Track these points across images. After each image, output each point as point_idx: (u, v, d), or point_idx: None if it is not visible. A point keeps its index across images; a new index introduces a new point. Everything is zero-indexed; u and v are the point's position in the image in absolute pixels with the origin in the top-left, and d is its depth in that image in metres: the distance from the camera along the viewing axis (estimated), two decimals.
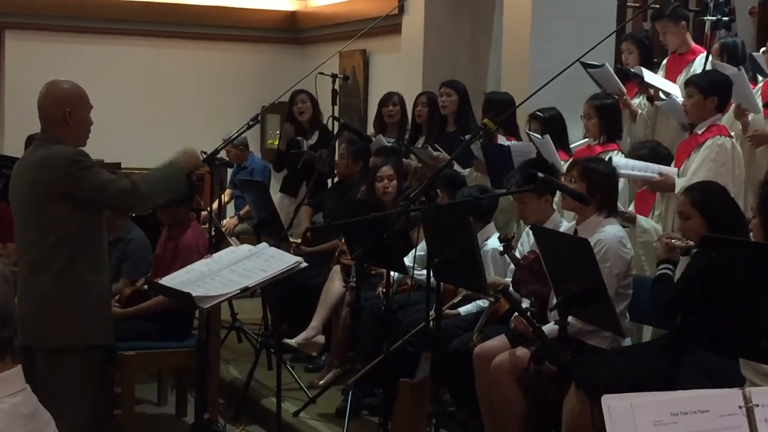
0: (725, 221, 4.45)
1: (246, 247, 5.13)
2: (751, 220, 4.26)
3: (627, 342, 5.05)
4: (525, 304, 5.01)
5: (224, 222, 8.54)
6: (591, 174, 4.96)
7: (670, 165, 5.83)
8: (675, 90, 6.56)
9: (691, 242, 4.53)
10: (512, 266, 5.29)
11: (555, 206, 5.52)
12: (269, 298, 6.79)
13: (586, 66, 6.55)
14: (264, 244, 5.04)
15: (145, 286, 5.86)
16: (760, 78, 6.55)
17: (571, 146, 6.63)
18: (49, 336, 4.48)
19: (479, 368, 5.03)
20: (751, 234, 4.29)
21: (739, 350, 3.48)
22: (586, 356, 4.76)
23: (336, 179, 7.99)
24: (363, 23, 8.75)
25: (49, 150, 4.49)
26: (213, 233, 6.16)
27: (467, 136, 6.39)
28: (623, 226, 5.28)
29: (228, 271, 4.75)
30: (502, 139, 6.60)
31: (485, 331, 5.25)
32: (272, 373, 6.10)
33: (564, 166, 5.93)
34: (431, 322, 4.93)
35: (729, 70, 5.92)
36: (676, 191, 5.46)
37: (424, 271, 4.81)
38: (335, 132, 7.21)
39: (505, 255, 5.28)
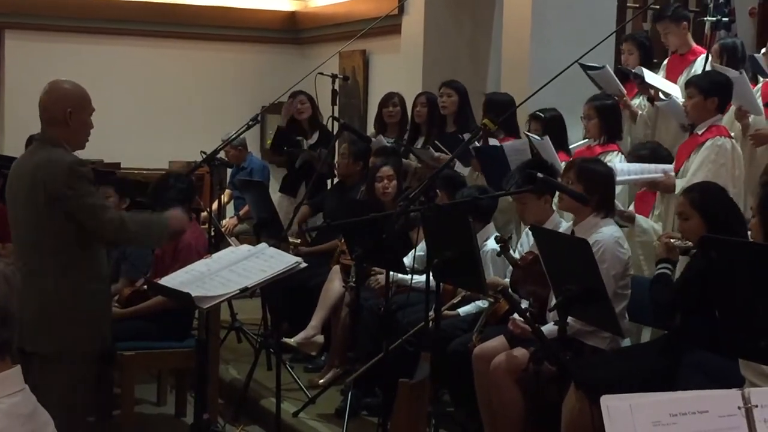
0: (724, 222, 4.45)
1: (245, 247, 5.13)
2: (750, 220, 4.26)
3: (626, 342, 5.05)
4: (524, 304, 5.01)
5: (224, 222, 8.54)
6: (589, 175, 4.96)
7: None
8: (676, 91, 6.56)
9: (690, 242, 4.53)
10: (511, 267, 5.29)
11: (554, 207, 5.52)
12: (269, 299, 6.79)
13: (585, 68, 6.56)
14: (263, 245, 5.04)
15: (145, 287, 5.86)
16: (760, 78, 6.55)
17: (571, 147, 6.63)
18: (40, 341, 4.37)
19: (478, 369, 5.03)
20: (749, 234, 4.29)
21: (738, 350, 3.47)
22: (586, 357, 4.76)
23: (336, 179, 7.99)
24: (363, 23, 8.75)
25: (49, 155, 4.42)
26: (212, 233, 6.17)
27: (466, 135, 6.41)
28: (622, 226, 5.28)
29: (227, 272, 4.75)
30: (494, 141, 6.60)
31: (485, 331, 5.25)
32: (272, 373, 6.09)
33: (563, 166, 5.93)
34: (431, 323, 4.93)
35: (730, 73, 5.91)
36: (676, 192, 5.46)
37: (422, 277, 4.81)
38: (335, 132, 7.21)
39: (503, 256, 5.28)
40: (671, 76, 6.89)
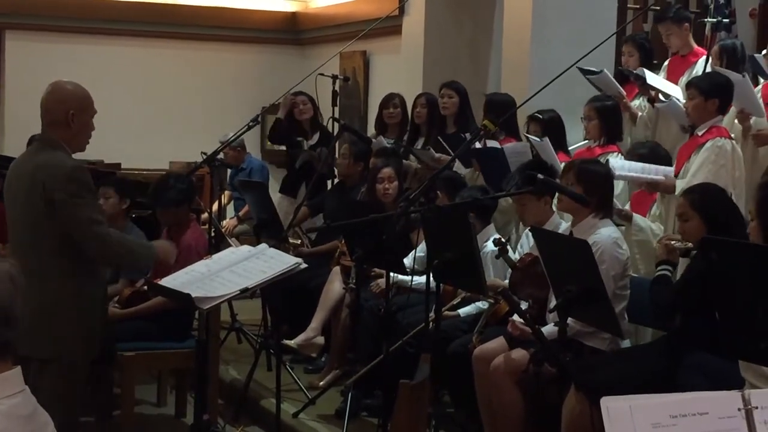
0: (724, 223, 4.45)
1: (246, 248, 5.13)
2: (748, 223, 4.25)
3: (626, 343, 5.05)
4: (523, 306, 5.01)
5: (223, 223, 8.54)
6: (588, 176, 4.96)
7: (669, 166, 5.83)
8: (677, 92, 6.55)
9: (690, 244, 4.53)
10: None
11: (553, 208, 5.52)
12: (269, 299, 6.79)
13: (584, 72, 6.56)
14: (264, 245, 5.04)
15: (145, 287, 5.85)
16: (760, 80, 6.54)
17: (571, 148, 6.63)
18: (37, 344, 4.23)
19: (479, 370, 5.03)
20: (749, 237, 4.28)
21: (738, 352, 3.47)
22: (585, 358, 4.76)
23: (336, 180, 7.99)
24: (363, 24, 8.75)
25: (51, 158, 4.37)
26: (213, 234, 6.17)
27: (467, 135, 6.40)
28: (618, 224, 5.27)
29: (228, 272, 4.74)
30: (493, 142, 6.60)
31: (485, 332, 5.25)
32: (272, 374, 6.09)
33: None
34: (431, 324, 4.93)
35: (733, 76, 5.91)
36: (676, 192, 5.46)
37: (423, 278, 4.80)
38: (335, 133, 7.21)
39: (501, 258, 5.28)
40: (672, 78, 6.88)
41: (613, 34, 6.56)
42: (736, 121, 6.08)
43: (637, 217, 5.61)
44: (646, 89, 6.72)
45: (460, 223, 4.73)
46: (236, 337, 7.27)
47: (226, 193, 9.03)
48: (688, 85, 5.92)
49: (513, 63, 7.60)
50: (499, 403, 4.89)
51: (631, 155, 5.94)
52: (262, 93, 10.49)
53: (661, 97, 6.59)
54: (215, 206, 7.57)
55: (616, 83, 6.78)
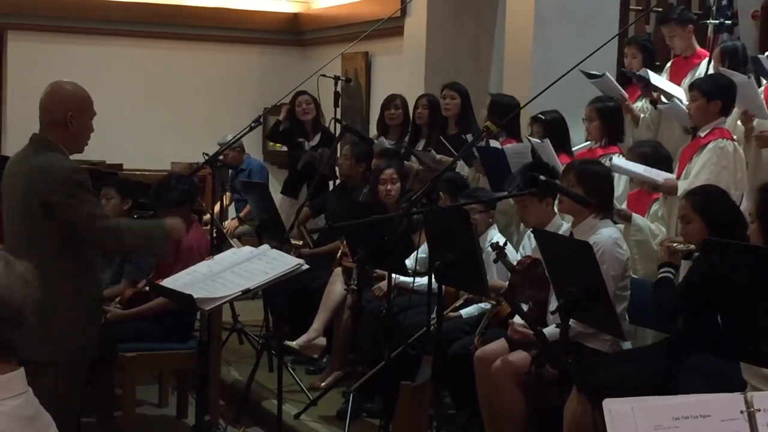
0: (726, 225, 4.45)
1: (247, 248, 5.13)
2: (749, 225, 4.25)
3: (627, 345, 5.04)
4: (523, 308, 5.00)
5: (225, 224, 8.54)
6: (589, 177, 4.96)
7: (670, 166, 5.83)
8: (680, 93, 6.55)
9: (692, 246, 4.53)
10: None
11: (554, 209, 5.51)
12: (271, 300, 6.78)
13: (586, 75, 6.56)
14: (266, 246, 5.04)
15: (147, 288, 5.85)
16: (763, 81, 6.53)
17: (573, 149, 6.62)
18: (36, 348, 4.11)
19: (480, 371, 5.03)
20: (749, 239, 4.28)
21: (740, 354, 3.47)
22: (587, 359, 4.76)
23: (338, 181, 7.99)
24: (365, 25, 8.75)
25: (47, 160, 4.33)
26: (215, 235, 6.16)
27: (469, 135, 6.39)
28: (616, 223, 5.26)
29: (229, 273, 4.74)
30: (495, 143, 6.60)
31: (487, 334, 5.24)
32: (273, 375, 6.09)
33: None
34: (432, 326, 4.93)
35: (738, 78, 5.90)
36: (678, 194, 5.46)
37: (424, 280, 4.79)
38: (337, 134, 7.21)
39: (500, 262, 5.28)
40: (675, 79, 6.88)
41: (615, 36, 6.56)
42: (739, 122, 6.08)
43: (636, 217, 5.61)
44: (649, 91, 6.72)
45: (462, 225, 4.73)
46: (238, 338, 7.27)
47: (227, 194, 9.04)
48: (691, 87, 5.91)
49: (515, 64, 7.60)
50: (501, 404, 4.89)
51: (633, 153, 5.93)
52: (264, 94, 10.49)
53: (663, 98, 6.59)
54: (217, 207, 7.57)
55: (618, 86, 6.78)
